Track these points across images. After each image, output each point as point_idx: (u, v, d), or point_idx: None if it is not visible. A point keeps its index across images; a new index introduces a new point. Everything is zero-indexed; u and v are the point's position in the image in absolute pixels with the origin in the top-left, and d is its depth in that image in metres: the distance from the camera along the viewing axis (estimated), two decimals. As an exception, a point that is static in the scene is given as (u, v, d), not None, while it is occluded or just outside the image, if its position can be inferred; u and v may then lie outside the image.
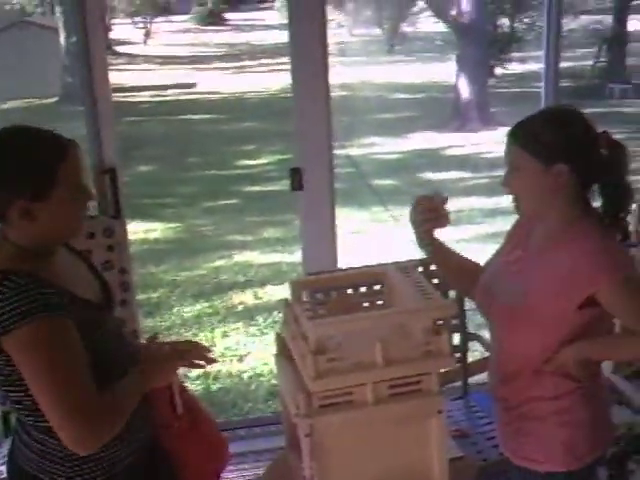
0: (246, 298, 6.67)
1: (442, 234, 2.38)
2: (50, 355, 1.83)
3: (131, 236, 3.77)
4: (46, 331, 1.82)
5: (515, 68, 17.58)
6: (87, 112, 3.40)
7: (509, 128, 2.16)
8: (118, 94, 14.02)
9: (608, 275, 2.04)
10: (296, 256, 6.49)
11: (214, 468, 2.38)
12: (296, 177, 3.64)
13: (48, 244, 1.96)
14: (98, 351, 1.93)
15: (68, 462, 1.98)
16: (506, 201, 2.25)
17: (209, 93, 17.49)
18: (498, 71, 17.52)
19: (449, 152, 11.82)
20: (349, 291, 2.43)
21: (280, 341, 2.26)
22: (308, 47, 3.61)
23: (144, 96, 17.18)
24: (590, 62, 17.25)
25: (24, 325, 1.80)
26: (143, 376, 2.05)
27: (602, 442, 2.27)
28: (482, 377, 3.50)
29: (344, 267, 3.75)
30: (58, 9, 19.28)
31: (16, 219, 1.88)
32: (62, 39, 17.39)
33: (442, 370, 2.10)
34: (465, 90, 14.00)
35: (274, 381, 4.68)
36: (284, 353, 2.22)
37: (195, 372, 5.18)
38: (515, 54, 17.79)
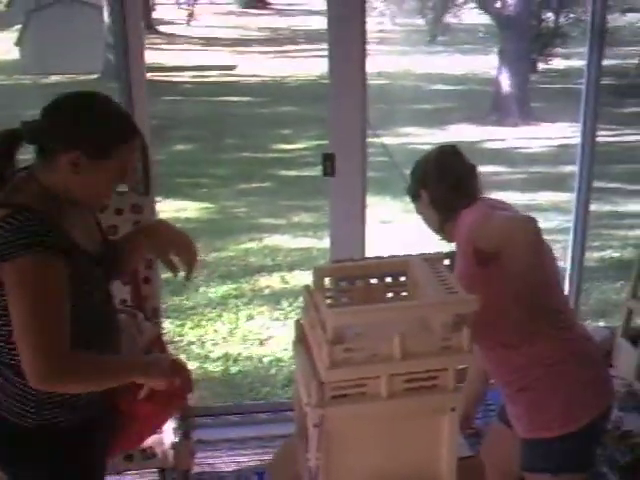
0: (273, 282, 6.65)
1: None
2: (39, 290, 1.92)
3: (163, 214, 3.78)
4: (42, 268, 1.92)
5: (558, 64, 17.34)
6: (122, 89, 3.42)
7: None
8: (159, 74, 14.08)
9: None
10: (326, 242, 6.46)
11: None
12: (328, 163, 3.62)
13: (72, 199, 2.06)
14: (79, 305, 2.00)
15: (30, 402, 2.07)
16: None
17: (249, 76, 17.45)
18: (541, 66, 17.29)
19: (485, 145, 11.68)
20: (373, 281, 2.40)
21: (299, 328, 2.24)
22: (346, 33, 3.59)
23: (185, 76, 17.18)
24: (635, 61, 16.97)
25: (22, 256, 1.91)
26: (131, 368, 2.11)
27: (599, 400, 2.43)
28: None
29: (371, 256, 3.73)
30: (102, -14, 19.34)
31: (63, 165, 2.00)
32: (105, 17, 17.45)
33: (460, 367, 2.07)
34: (506, 84, 13.82)
35: (294, 367, 4.65)
36: (302, 340, 2.20)
37: (216, 353, 5.19)
38: (559, 50, 17.55)
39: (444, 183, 2.54)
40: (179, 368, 2.21)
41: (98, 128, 2.02)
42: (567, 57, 16.94)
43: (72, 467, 2.17)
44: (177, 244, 2.27)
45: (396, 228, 7.64)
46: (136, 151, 2.16)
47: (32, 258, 1.91)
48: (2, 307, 1.97)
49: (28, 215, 1.95)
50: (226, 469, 3.63)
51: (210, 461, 3.65)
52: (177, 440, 2.96)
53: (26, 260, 1.91)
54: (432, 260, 2.32)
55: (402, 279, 2.38)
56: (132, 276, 2.56)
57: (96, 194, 2.11)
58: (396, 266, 2.41)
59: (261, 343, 5.42)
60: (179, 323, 5.64)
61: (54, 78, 15.49)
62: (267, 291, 6.45)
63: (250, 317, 5.89)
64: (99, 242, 2.20)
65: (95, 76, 16.70)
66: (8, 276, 1.93)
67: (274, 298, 6.24)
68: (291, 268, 6.96)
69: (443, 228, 2.60)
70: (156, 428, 2.48)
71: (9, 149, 2.07)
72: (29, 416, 2.09)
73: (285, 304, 6.06)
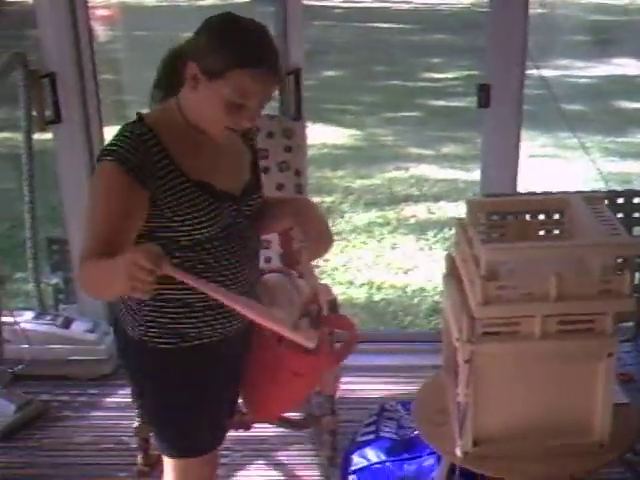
0: (419, 212, 6.59)
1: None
2: (97, 195, 2.01)
3: (310, 140, 3.78)
4: (108, 175, 1.98)
5: None
6: (277, 13, 3.40)
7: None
8: (312, -2, 14.01)
9: None
10: (474, 175, 6.34)
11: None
12: (483, 94, 3.53)
13: (191, 121, 2.06)
14: (195, 228, 2.02)
15: (148, 323, 2.13)
16: None
17: (401, 2, 17.15)
18: None
19: (648, 80, 11.15)
20: (527, 217, 2.34)
21: (450, 261, 2.21)
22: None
23: (336, 1, 17.06)
24: None
25: (103, 161, 1.98)
26: (110, 274, 1.88)
27: None
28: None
29: (522, 191, 3.63)
30: None
31: (187, 79, 2.01)
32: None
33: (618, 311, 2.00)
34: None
35: (438, 298, 4.64)
36: (453, 274, 2.17)
37: (360, 280, 5.21)
38: None
39: None
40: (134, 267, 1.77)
41: (220, 46, 1.97)
42: None
43: (167, 386, 2.23)
44: (317, 233, 2.18)
45: (547, 163, 7.43)
46: (260, 84, 1.99)
47: (106, 165, 1.97)
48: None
49: (135, 128, 2.02)
50: (370, 396, 3.65)
51: (354, 387, 3.67)
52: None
53: (104, 166, 1.98)
54: (592, 199, 2.23)
55: (556, 217, 2.31)
56: (283, 237, 2.51)
57: (211, 119, 2.05)
58: (553, 203, 2.34)
59: (405, 272, 5.40)
60: (324, 248, 5.67)
61: (210, 1, 15.67)
62: (412, 220, 6.40)
63: (395, 246, 5.87)
64: (242, 183, 2.17)
65: (250, -1, 16.82)
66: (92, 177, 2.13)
67: (419, 228, 6.19)
68: (437, 199, 6.87)
69: None
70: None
71: (173, 60, 2.10)
72: (136, 329, 2.16)
73: (430, 234, 6.01)
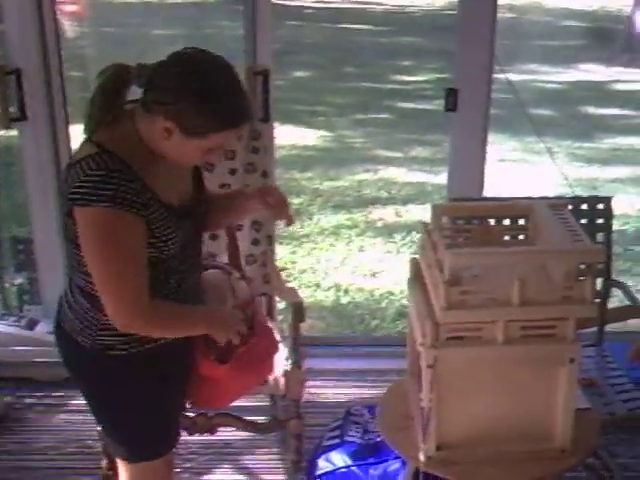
0: (387, 215, 6.61)
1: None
2: (113, 241, 1.97)
3: (279, 141, 3.77)
4: (114, 221, 1.95)
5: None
6: (246, 12, 3.38)
7: None
8: (282, -3, 13.98)
9: None
10: (442, 178, 6.36)
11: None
12: (451, 98, 3.53)
13: (162, 156, 2.04)
14: (162, 249, 2.04)
15: (103, 331, 2.12)
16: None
17: (372, 4, 17.18)
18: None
19: (615, 87, 11.25)
20: (491, 222, 2.35)
21: (415, 266, 2.21)
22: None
23: (307, 1, 17.04)
24: None
25: (96, 206, 1.93)
26: (204, 321, 2.18)
27: None
28: (619, 326, 3.36)
29: (488, 195, 3.64)
30: None
31: (158, 126, 1.97)
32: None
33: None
34: (640, 23, 13.20)
35: (405, 301, 4.64)
36: (418, 278, 2.17)
37: (327, 283, 5.21)
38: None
39: None
40: (237, 321, 2.23)
41: (202, 111, 1.95)
42: None
43: (123, 392, 2.23)
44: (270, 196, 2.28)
45: (515, 168, 7.47)
46: (238, 133, 2.12)
47: (104, 211, 1.93)
48: (73, 237, 2.02)
49: (109, 162, 1.95)
50: (336, 400, 3.66)
51: (320, 391, 3.68)
52: (288, 368, 2.98)
53: (98, 211, 1.94)
54: (556, 205, 2.25)
55: (521, 222, 2.32)
56: (228, 233, 2.55)
57: (185, 161, 2.10)
58: (517, 209, 2.35)
59: (373, 275, 5.40)
60: (291, 250, 5.68)
61: (179, -1, 15.61)
62: (380, 224, 6.42)
63: (362, 249, 5.88)
64: (189, 194, 2.19)
65: (220, -2, 16.77)
66: (82, 224, 1.97)
67: (387, 231, 6.20)
68: (405, 202, 6.90)
69: None
70: (234, 395, 2.48)
71: (119, 86, 2.04)
72: (90, 338, 2.15)
73: (398, 237, 6.02)
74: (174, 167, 2.11)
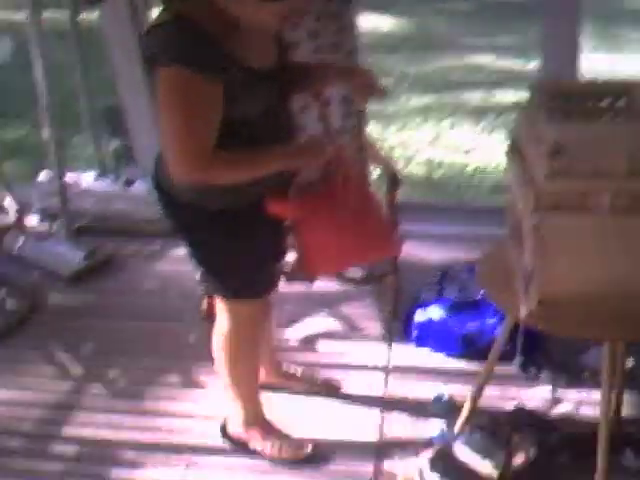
0: (475, 98, 6.48)
1: None
2: (185, 101, 1.97)
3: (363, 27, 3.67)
4: (185, 80, 1.95)
5: None
6: None
7: None
8: None
9: None
10: (531, 65, 6.22)
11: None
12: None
13: (238, 22, 2.03)
14: (240, 112, 2.06)
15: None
16: None
17: None
18: None
19: None
20: (590, 104, 2.27)
21: (514, 140, 2.17)
22: None
23: None
24: None
25: (170, 67, 1.95)
26: (284, 155, 2.16)
27: None
28: None
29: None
30: None
31: None
32: None
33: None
34: None
35: (498, 177, 4.59)
36: (517, 152, 2.13)
37: (419, 157, 5.15)
38: None
39: None
40: (322, 148, 2.20)
41: None
42: None
43: (217, 240, 2.29)
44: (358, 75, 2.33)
45: (606, 58, 7.22)
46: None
47: (178, 71, 1.95)
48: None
49: (185, 26, 1.96)
50: (433, 259, 3.65)
51: (415, 252, 3.62)
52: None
53: (172, 71, 1.95)
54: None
55: (619, 104, 2.24)
56: (315, 97, 2.49)
57: (257, 24, 2.06)
58: (617, 88, 2.26)
59: (466, 152, 5.32)
60: (381, 127, 5.61)
61: None
62: (469, 106, 6.30)
63: (453, 126, 5.79)
64: (271, 60, 2.17)
65: None
66: (158, 79, 1.99)
67: (477, 112, 6.08)
68: (494, 86, 6.74)
69: None
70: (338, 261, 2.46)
71: None
72: (181, 194, 2.20)
73: (489, 119, 5.90)
74: (253, 34, 2.09)
